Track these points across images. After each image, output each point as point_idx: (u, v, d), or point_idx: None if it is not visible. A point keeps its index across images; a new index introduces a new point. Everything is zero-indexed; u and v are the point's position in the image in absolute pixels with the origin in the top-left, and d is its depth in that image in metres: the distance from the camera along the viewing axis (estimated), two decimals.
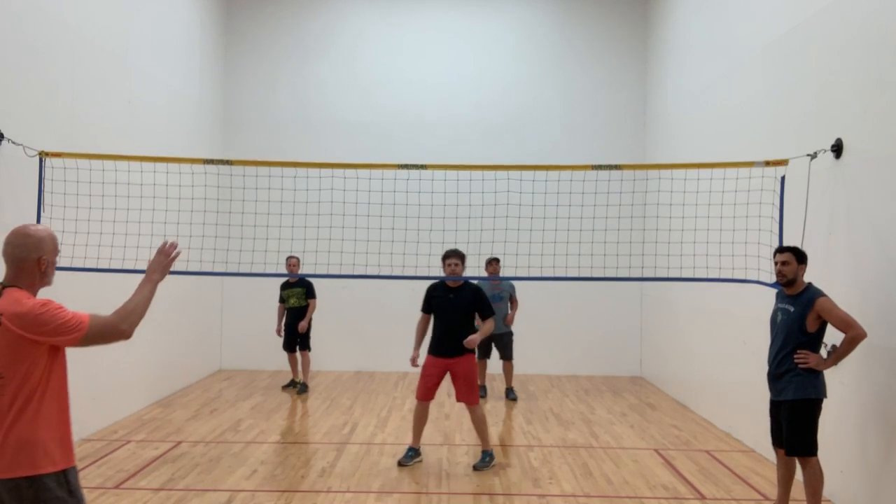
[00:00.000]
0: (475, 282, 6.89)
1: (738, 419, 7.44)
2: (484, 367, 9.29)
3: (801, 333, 4.78)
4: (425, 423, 6.60)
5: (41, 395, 2.81)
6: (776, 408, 4.95)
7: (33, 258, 2.92)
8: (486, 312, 6.46)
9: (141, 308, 2.96)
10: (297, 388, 9.48)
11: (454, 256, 6.41)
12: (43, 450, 2.79)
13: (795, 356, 4.76)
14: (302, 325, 9.30)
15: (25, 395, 2.78)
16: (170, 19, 9.39)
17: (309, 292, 9.37)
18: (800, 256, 4.91)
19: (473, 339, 6.26)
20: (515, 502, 5.56)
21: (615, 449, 7.02)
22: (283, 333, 9.52)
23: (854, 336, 4.64)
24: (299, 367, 9.59)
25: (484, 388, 9.37)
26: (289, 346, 9.49)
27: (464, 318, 6.42)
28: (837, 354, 4.72)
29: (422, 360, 6.54)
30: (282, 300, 9.51)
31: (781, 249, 5.03)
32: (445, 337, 6.39)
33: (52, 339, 2.79)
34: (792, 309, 4.85)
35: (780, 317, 4.96)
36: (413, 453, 6.49)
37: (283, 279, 9.47)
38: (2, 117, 5.82)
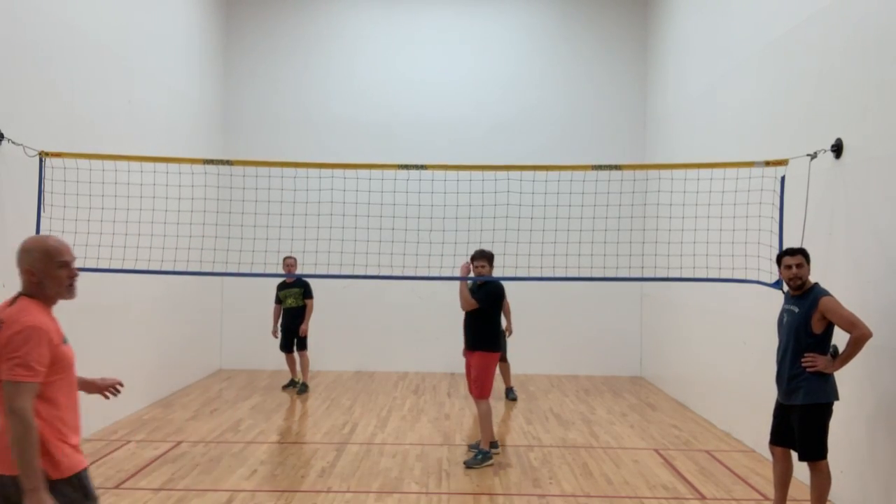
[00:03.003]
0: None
1: (738, 419, 7.44)
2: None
3: (807, 335, 4.71)
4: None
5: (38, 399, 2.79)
6: (784, 410, 4.90)
7: (22, 269, 2.93)
8: (482, 304, 6.53)
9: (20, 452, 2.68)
10: (298, 388, 9.47)
11: (479, 258, 6.59)
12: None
13: (803, 360, 4.69)
14: (304, 329, 9.27)
15: None
16: (170, 19, 9.39)
17: (306, 292, 9.34)
18: (808, 257, 4.86)
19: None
20: (515, 502, 5.56)
21: (615, 449, 7.02)
22: (279, 334, 9.51)
23: (859, 336, 4.57)
24: (298, 367, 9.58)
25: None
26: (286, 347, 9.47)
27: (477, 314, 6.55)
28: (844, 356, 4.66)
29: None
30: (278, 301, 9.47)
31: (793, 252, 4.88)
32: (464, 331, 6.75)
33: (2, 364, 2.74)
34: (797, 310, 4.80)
35: (785, 318, 4.91)
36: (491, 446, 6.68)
37: (280, 280, 9.46)
38: (2, 117, 5.82)
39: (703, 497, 5.68)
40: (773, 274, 5.77)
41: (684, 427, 7.95)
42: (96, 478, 5.84)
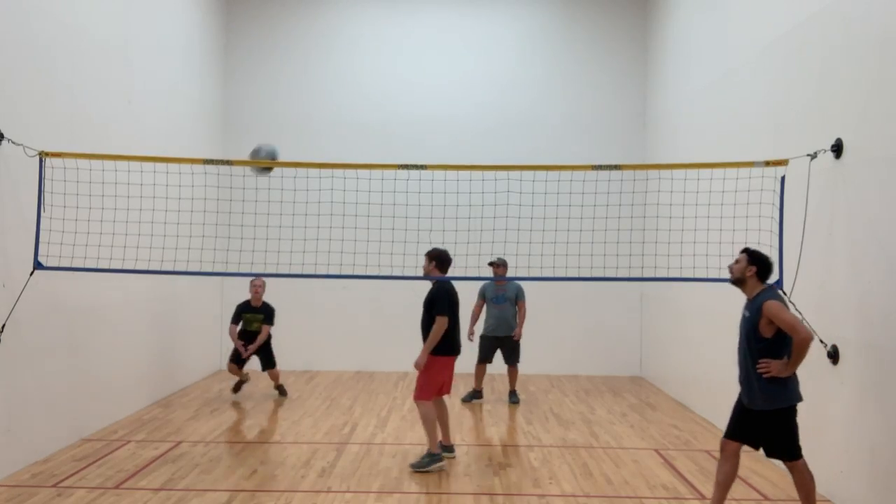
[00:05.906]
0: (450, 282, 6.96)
1: None
2: (482, 371, 9.19)
3: (757, 340, 4.65)
4: (440, 417, 6.68)
5: None
6: (745, 410, 4.80)
7: None
8: (435, 310, 6.31)
9: None
10: (279, 392, 9.26)
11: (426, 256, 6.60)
12: None
13: (757, 366, 4.63)
14: (253, 348, 9.05)
15: None
16: (170, 19, 9.39)
17: (268, 318, 9.18)
18: (752, 258, 4.83)
19: (418, 363, 6.33)
20: (515, 502, 5.56)
21: (615, 449, 7.02)
22: (244, 350, 9.13)
23: (799, 341, 4.46)
24: (244, 370, 9.24)
25: (479, 392, 9.20)
26: (238, 361, 9.13)
27: (425, 314, 6.42)
28: (792, 361, 4.55)
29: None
30: (238, 321, 9.19)
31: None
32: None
33: None
34: (748, 314, 4.78)
35: (740, 322, 4.88)
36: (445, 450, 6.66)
37: (244, 301, 9.26)
38: (2, 117, 5.82)
39: (703, 497, 5.67)
40: (772, 274, 5.76)
41: (684, 427, 7.95)
42: (96, 478, 5.85)
